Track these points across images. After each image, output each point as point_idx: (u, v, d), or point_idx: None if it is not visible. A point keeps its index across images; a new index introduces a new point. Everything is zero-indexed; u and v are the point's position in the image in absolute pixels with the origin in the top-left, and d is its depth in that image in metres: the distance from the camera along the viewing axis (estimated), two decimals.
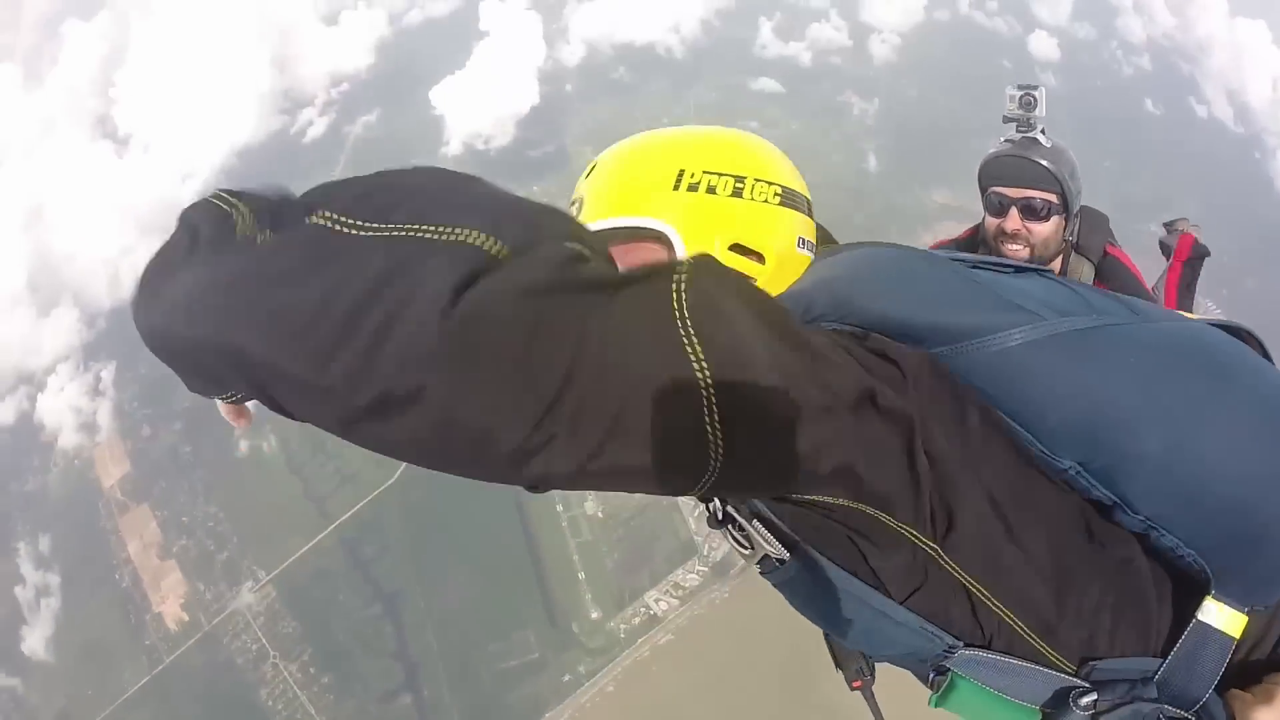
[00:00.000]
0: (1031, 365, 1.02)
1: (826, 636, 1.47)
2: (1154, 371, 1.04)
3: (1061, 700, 1.08)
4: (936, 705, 1.17)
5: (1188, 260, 2.92)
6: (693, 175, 1.27)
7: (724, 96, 53.85)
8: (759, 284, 1.11)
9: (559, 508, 32.00)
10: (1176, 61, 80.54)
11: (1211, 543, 1.02)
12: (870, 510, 0.97)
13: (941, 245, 2.93)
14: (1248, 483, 1.01)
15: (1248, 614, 1.04)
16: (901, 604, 1.06)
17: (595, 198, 1.32)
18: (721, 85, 55.76)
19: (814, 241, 1.38)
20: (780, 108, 52.37)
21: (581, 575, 31.84)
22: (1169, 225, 3.07)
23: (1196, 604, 1.04)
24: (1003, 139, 2.81)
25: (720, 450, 0.80)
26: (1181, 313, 1.31)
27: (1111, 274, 2.81)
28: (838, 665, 1.57)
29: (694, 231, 1.25)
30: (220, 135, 51.47)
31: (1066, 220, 2.76)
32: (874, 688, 1.58)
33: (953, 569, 1.02)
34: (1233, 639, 1.03)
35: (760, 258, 1.28)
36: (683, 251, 1.23)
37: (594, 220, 1.28)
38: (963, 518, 0.99)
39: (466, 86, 53.19)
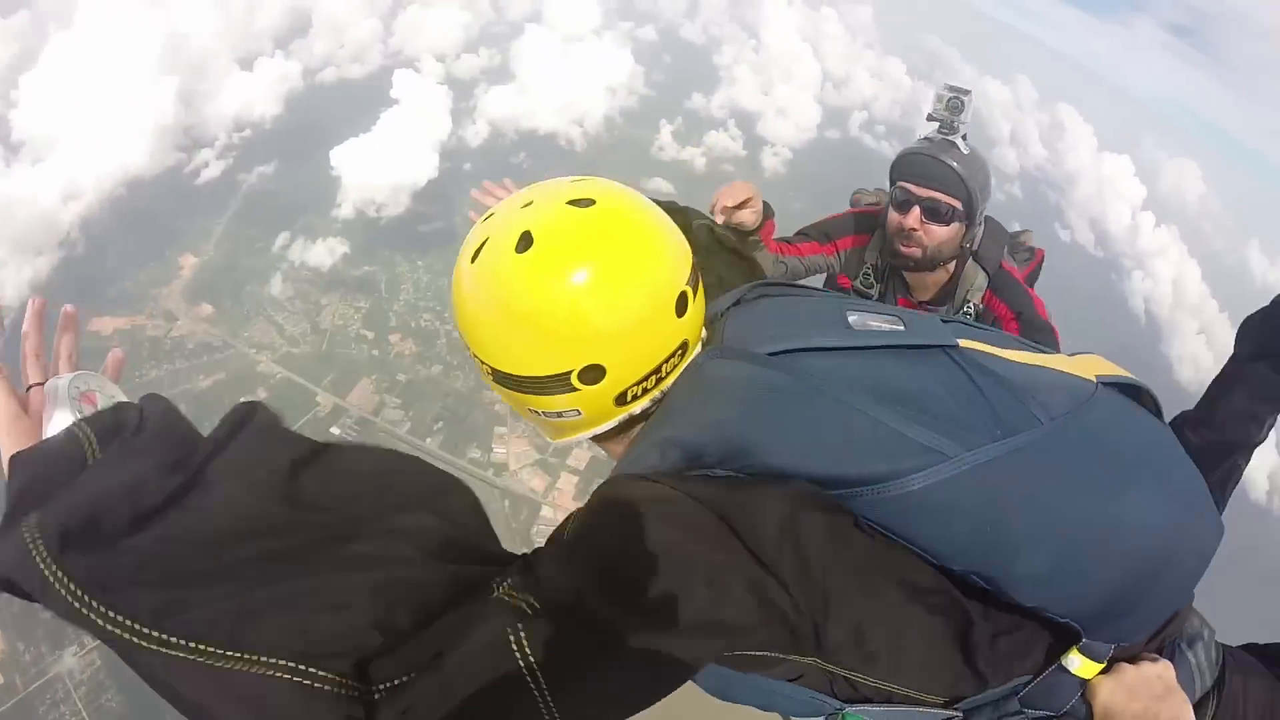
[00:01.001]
0: (926, 504, 1.02)
1: None
2: (1046, 492, 1.05)
3: None
4: None
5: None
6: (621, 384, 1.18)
7: None
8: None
9: None
10: (1045, 190, 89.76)
11: (1088, 615, 1.09)
12: (751, 655, 1.04)
13: (850, 213, 3.13)
14: (1126, 578, 1.06)
15: (1104, 663, 1.12)
16: (789, 682, 1.13)
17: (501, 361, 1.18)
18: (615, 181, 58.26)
19: (695, 289, 1.23)
20: None
21: None
22: (1015, 235, 3.21)
23: (1060, 646, 1.13)
24: (922, 136, 2.78)
25: None
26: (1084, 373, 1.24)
27: (1003, 287, 2.82)
28: None
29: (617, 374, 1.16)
30: (113, 163, 49.90)
31: (968, 228, 2.72)
32: None
33: (834, 668, 1.08)
34: (1087, 680, 1.14)
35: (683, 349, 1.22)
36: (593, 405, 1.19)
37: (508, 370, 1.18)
38: (837, 631, 1.02)
39: (368, 151, 52.95)
